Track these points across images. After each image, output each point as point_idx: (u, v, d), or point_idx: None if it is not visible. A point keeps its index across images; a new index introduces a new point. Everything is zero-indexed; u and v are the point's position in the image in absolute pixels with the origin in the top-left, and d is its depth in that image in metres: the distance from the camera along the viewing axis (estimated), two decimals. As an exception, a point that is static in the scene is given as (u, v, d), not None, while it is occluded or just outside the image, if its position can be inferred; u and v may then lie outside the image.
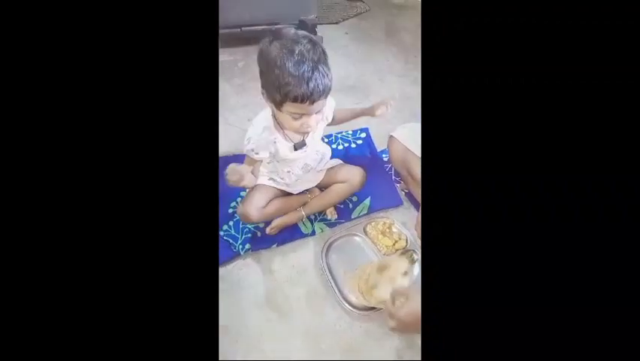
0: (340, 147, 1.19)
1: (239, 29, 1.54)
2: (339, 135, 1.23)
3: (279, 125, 0.81)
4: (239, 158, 1.12)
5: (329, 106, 0.89)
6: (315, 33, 1.61)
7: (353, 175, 0.97)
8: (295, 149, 0.86)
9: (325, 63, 0.69)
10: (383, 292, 0.80)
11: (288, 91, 0.67)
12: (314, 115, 0.73)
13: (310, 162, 0.95)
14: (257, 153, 0.83)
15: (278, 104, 0.72)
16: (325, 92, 0.70)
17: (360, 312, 0.82)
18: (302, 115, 0.72)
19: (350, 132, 1.24)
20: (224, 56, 1.58)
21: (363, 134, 1.24)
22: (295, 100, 0.68)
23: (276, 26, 1.52)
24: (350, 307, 0.83)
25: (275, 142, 0.83)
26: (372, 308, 0.82)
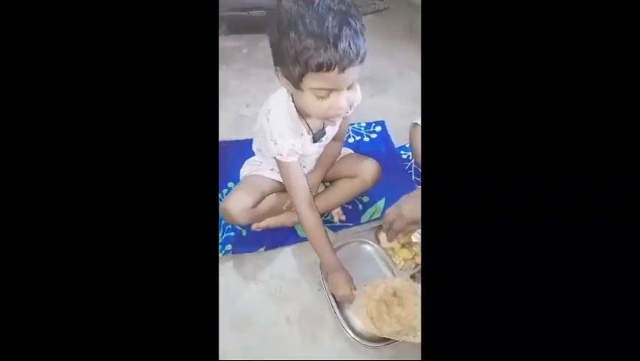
0: (351, 140, 1.02)
1: (247, 13, 1.41)
2: (350, 127, 1.05)
3: (298, 112, 0.63)
4: (235, 144, 0.96)
5: (356, 92, 0.68)
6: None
7: (365, 168, 0.77)
8: (314, 140, 0.66)
9: (357, 17, 0.49)
10: (395, 325, 0.60)
11: (308, 57, 0.47)
12: (345, 91, 0.53)
13: None
14: (298, 151, 0.63)
15: (297, 80, 0.52)
16: (361, 55, 0.49)
17: (368, 344, 0.62)
18: (330, 91, 0.52)
19: (363, 125, 1.07)
20: (229, 42, 1.46)
21: (379, 128, 1.06)
22: (320, 68, 0.48)
23: None
24: (354, 336, 0.62)
25: (302, 135, 0.64)
26: (385, 340, 0.61)
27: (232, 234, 0.78)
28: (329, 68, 0.48)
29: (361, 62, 0.51)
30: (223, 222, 0.78)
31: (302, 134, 0.65)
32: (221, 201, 0.73)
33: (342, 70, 0.49)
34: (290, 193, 0.68)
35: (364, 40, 0.50)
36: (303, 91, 0.53)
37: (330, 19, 0.46)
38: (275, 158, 0.65)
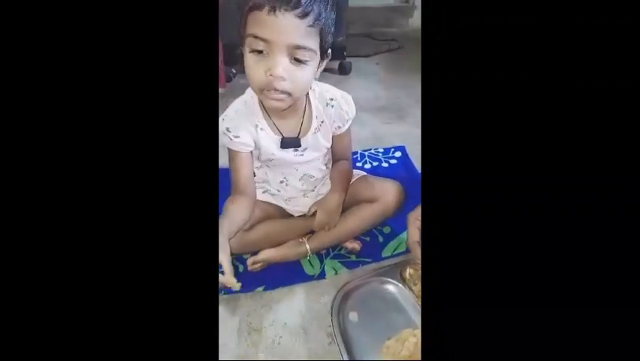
0: (368, 166, 0.91)
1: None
2: (366, 152, 0.96)
3: (265, 108, 0.57)
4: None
5: (347, 103, 0.61)
6: (344, 57, 1.49)
7: (386, 189, 0.65)
8: (282, 146, 0.59)
9: None
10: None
11: (246, 3, 0.45)
12: (283, 56, 0.46)
13: (314, 172, 0.67)
14: (236, 137, 0.56)
15: (243, 39, 0.47)
16: (302, 2, 0.43)
17: None
18: (266, 45, 0.45)
19: (381, 150, 0.97)
20: (244, 80, 1.47)
21: (399, 154, 0.96)
22: (252, 8, 0.45)
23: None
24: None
25: (257, 127, 0.57)
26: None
27: (226, 269, 0.65)
28: (260, 5, 0.44)
29: (303, 14, 0.44)
30: (217, 255, 0.67)
31: (257, 126, 0.57)
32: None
33: (272, 9, 0.43)
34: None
35: (321, 1, 0.45)
36: (246, 50, 0.47)
37: None
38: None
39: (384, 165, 0.92)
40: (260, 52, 0.46)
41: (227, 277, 0.47)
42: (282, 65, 0.46)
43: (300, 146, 0.60)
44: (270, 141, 0.59)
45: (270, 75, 0.46)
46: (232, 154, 0.59)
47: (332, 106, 0.60)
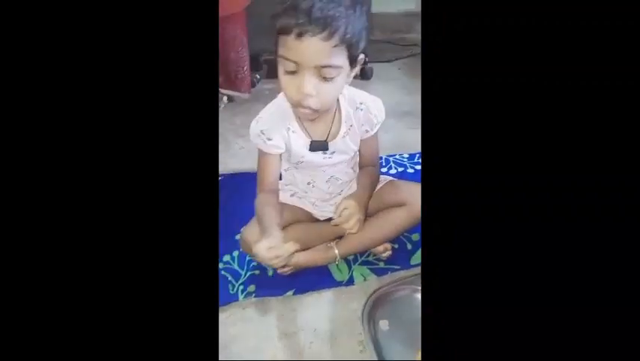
0: (393, 171, 0.91)
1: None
2: (390, 158, 0.95)
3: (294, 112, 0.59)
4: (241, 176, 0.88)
5: (377, 107, 0.62)
6: (366, 63, 1.49)
7: (415, 194, 0.64)
8: (311, 149, 0.60)
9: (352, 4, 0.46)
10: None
11: (276, 18, 0.47)
12: (311, 75, 0.47)
13: (341, 175, 0.67)
14: (269, 139, 0.58)
15: (275, 51, 0.50)
16: (328, 26, 0.44)
17: None
18: (297, 66, 0.47)
19: (406, 156, 0.97)
20: (268, 85, 1.50)
21: (424, 160, 0.95)
22: (281, 31, 0.46)
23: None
24: None
25: (289, 129, 0.59)
26: None
27: (257, 272, 0.66)
28: (286, 30, 0.45)
29: (329, 36, 0.45)
30: (247, 257, 0.68)
31: (289, 129, 0.59)
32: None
33: (299, 36, 0.45)
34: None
35: (347, 16, 0.46)
36: (280, 68, 0.50)
37: None
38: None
39: (410, 170, 0.91)
40: (292, 72, 0.48)
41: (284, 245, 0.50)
42: (311, 83, 0.48)
43: (327, 149, 0.61)
44: (300, 144, 0.60)
45: (303, 94, 0.49)
46: (262, 155, 0.61)
47: (361, 110, 0.61)
